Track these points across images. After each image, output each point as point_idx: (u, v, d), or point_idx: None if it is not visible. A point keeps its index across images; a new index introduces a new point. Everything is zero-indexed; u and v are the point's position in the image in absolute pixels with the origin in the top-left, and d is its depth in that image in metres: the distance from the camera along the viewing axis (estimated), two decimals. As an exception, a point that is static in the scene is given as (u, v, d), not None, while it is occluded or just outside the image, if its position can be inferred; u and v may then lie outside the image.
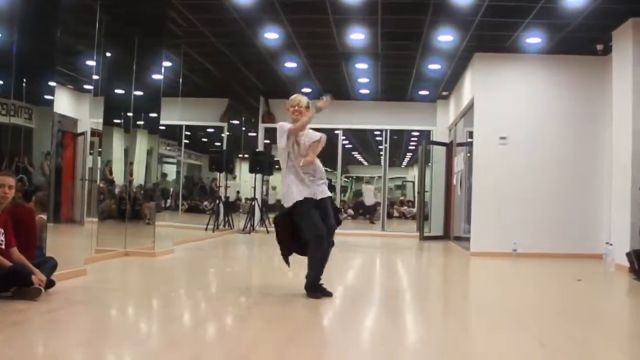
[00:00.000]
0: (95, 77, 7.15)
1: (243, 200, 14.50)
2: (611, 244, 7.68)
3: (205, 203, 14.93)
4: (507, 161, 9.20)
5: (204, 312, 4.51)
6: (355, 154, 24.15)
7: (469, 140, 10.95)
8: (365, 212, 18.43)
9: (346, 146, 18.45)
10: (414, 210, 17.32)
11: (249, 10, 7.74)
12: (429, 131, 13.71)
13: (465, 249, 9.90)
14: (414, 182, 22.50)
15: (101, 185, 7.88)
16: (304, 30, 8.58)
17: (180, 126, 12.31)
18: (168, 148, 12.81)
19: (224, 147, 13.58)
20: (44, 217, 5.25)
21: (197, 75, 11.35)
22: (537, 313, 4.73)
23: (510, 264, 8.44)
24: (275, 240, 5.02)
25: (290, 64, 10.49)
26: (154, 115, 8.09)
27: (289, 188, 4.78)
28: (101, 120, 7.64)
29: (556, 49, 8.91)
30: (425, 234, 12.57)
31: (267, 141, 14.23)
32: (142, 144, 8.17)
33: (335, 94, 5.01)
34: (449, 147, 12.79)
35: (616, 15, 7.42)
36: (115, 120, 7.87)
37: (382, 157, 14.34)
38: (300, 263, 5.01)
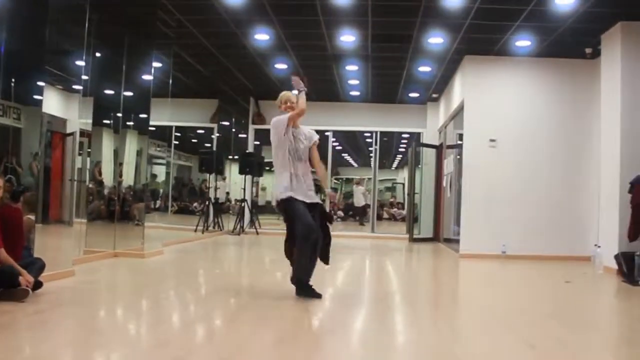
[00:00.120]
0: (84, 77, 7.12)
1: (233, 202, 14.47)
2: (599, 246, 7.72)
3: (195, 204, 14.90)
4: (497, 163, 9.25)
5: (193, 313, 4.49)
6: (346, 156, 24.15)
7: (459, 142, 10.99)
8: (355, 214, 18.45)
9: (336, 148, 18.47)
10: (404, 212, 17.37)
11: (239, 11, 7.73)
12: (419, 133, 13.75)
13: (454, 251, 9.94)
14: (403, 184, 22.57)
15: (90, 185, 7.83)
16: (294, 32, 8.58)
17: (170, 127, 12.28)
18: (158, 149, 12.79)
19: (214, 148, 13.54)
20: (32, 217, 5.21)
21: (187, 76, 11.32)
22: (526, 315, 4.75)
23: (500, 265, 8.48)
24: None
25: (281, 65, 10.47)
26: (143, 115, 8.08)
27: (288, 182, 4.83)
28: (90, 121, 7.61)
29: (546, 52, 8.97)
30: (414, 236, 12.61)
31: (257, 142, 14.22)
32: (131, 144, 8.14)
33: (304, 76, 5.00)
34: (439, 149, 12.83)
35: (605, 19, 7.48)
36: (105, 121, 7.82)
37: (372, 159, 14.36)
38: (289, 266, 5.01)
